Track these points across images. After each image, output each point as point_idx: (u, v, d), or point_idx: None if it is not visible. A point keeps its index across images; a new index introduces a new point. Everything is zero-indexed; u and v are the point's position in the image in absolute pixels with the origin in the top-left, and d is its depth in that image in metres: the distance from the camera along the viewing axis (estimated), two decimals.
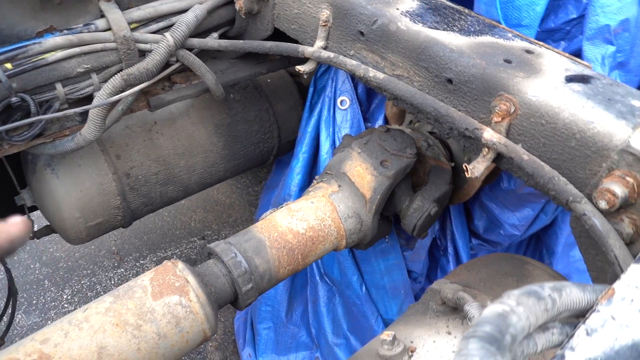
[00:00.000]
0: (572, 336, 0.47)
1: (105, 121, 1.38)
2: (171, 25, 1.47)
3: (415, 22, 1.19)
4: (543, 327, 0.48)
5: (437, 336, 1.10)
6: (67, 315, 1.03)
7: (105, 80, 1.38)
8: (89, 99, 1.40)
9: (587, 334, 0.47)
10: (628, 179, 0.86)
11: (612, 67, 1.38)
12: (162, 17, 1.47)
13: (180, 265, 1.12)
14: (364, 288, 1.83)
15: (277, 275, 1.22)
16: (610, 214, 0.88)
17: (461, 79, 1.09)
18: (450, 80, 1.11)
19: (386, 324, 1.87)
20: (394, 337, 1.06)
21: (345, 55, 1.32)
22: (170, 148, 1.77)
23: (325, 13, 1.31)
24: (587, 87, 1.01)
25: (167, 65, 1.45)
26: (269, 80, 2.10)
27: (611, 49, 1.36)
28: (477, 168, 1.06)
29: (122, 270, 2.75)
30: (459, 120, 1.07)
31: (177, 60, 1.47)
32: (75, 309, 2.47)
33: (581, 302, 0.50)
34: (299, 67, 1.37)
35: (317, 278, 2.05)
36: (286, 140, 2.13)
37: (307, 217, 1.28)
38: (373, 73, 1.21)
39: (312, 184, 1.41)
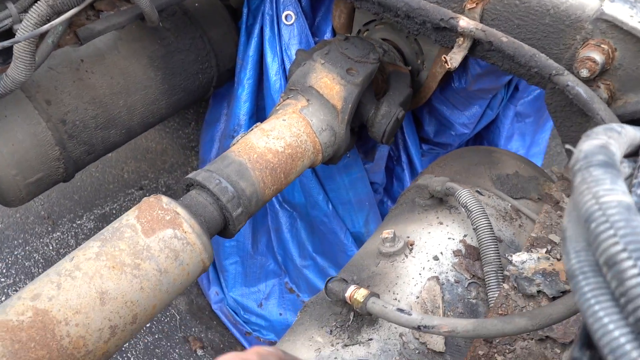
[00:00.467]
0: (638, 167, 0.50)
1: (35, 57, 1.20)
2: None
3: None
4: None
5: (431, 227, 1.15)
6: (52, 268, 0.93)
7: (24, 10, 1.19)
8: (8, 33, 1.19)
9: None
10: (603, 46, 0.91)
11: None
12: None
13: (165, 198, 1.04)
14: (330, 206, 1.85)
15: (264, 197, 1.19)
16: (588, 83, 0.94)
17: None
18: None
19: (354, 237, 1.93)
20: (394, 234, 1.09)
21: None
22: (104, 87, 1.59)
23: None
24: None
25: None
26: (197, 5, 1.93)
27: None
28: (454, 59, 1.07)
29: (58, 234, 2.54)
30: (433, 11, 1.06)
31: None
32: (14, 281, 2.28)
33: (636, 137, 0.53)
34: None
35: (277, 206, 2.04)
36: (224, 69, 2.01)
37: (282, 135, 1.24)
38: None
39: (279, 102, 1.35)
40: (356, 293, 0.89)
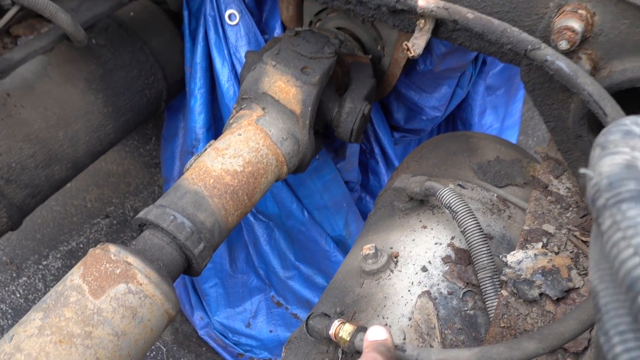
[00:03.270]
0: None
1: None
2: None
3: None
4: None
5: (414, 234, 1.05)
6: None
7: None
8: None
9: None
10: (580, 11, 0.81)
11: None
12: None
13: (113, 248, 0.91)
14: (306, 213, 1.74)
15: (227, 225, 1.07)
16: (568, 55, 0.84)
17: None
18: None
19: (336, 241, 1.82)
20: (376, 249, 0.98)
21: None
22: (39, 121, 1.43)
23: None
24: None
25: (1, 11, 1.11)
26: (132, 14, 1.77)
27: None
28: (417, 44, 0.96)
29: (24, 279, 2.37)
30: None
31: (13, 3, 1.13)
32: None
33: None
34: None
35: (252, 218, 1.92)
36: (173, 80, 1.86)
37: (240, 153, 1.11)
38: None
39: (231, 115, 1.22)
40: (341, 330, 0.78)
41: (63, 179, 1.56)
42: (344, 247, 1.83)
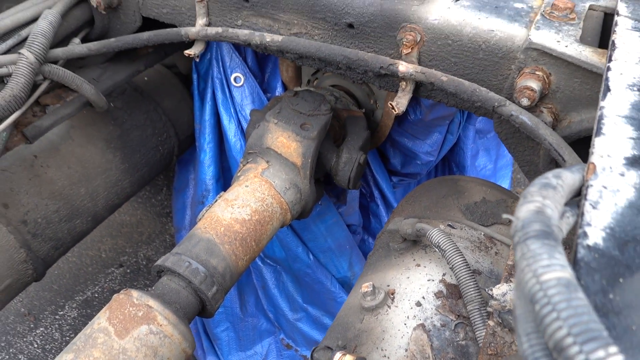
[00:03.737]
0: (582, 214, 0.50)
1: None
2: (22, 41, 1.28)
3: None
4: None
5: (409, 271, 1.14)
6: None
7: None
8: None
9: (593, 207, 0.51)
10: (538, 73, 0.93)
11: None
12: (9, 34, 1.27)
13: (135, 293, 1.01)
14: (311, 256, 1.83)
15: (238, 269, 1.17)
16: (531, 110, 0.96)
17: (362, 21, 1.09)
18: (351, 25, 1.10)
19: (341, 283, 1.90)
20: (374, 287, 1.07)
21: (233, 27, 1.25)
22: (63, 179, 1.57)
23: None
24: (474, 0, 1.07)
25: (34, 86, 1.26)
26: (146, 79, 1.94)
27: None
28: (400, 103, 1.09)
29: (41, 329, 2.45)
30: (371, 61, 1.08)
31: (45, 78, 1.28)
32: None
33: (575, 181, 0.53)
34: (187, 52, 1.27)
35: (260, 263, 2.01)
36: (184, 136, 2.01)
37: (247, 203, 1.22)
38: (270, 37, 1.17)
39: (239, 168, 1.34)
40: None
41: (84, 232, 1.67)
42: (349, 288, 1.90)
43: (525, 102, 0.92)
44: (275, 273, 2.02)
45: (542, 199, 0.44)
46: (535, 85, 0.91)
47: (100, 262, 2.75)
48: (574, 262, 0.46)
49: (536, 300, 0.36)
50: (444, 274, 1.11)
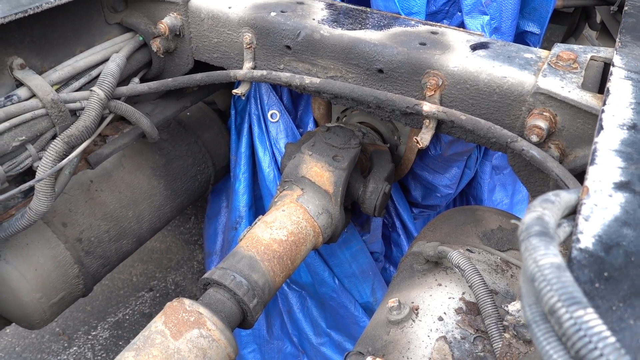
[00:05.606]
0: (577, 224, 0.63)
1: (54, 189, 1.34)
2: (93, 79, 1.47)
3: (334, 27, 1.33)
4: (557, 224, 0.63)
5: (431, 290, 1.25)
6: None
7: (42, 149, 1.35)
8: (29, 171, 1.34)
9: (585, 220, 0.63)
10: (545, 114, 1.07)
11: (490, 32, 1.63)
12: (82, 73, 1.46)
13: (187, 301, 1.14)
14: (336, 280, 1.94)
15: (275, 285, 1.29)
16: (540, 145, 1.09)
17: (390, 67, 1.25)
18: (381, 70, 1.27)
19: (364, 308, 2.00)
20: (399, 302, 1.19)
21: (276, 70, 1.42)
22: (114, 202, 1.73)
23: (247, 36, 1.41)
24: (489, 51, 1.23)
25: (101, 119, 1.44)
26: (188, 114, 2.13)
27: (486, 18, 1.61)
28: (424, 138, 1.23)
29: (75, 348, 2.57)
30: (399, 101, 1.23)
31: (110, 112, 1.46)
32: None
33: (571, 200, 0.66)
34: (235, 91, 1.45)
35: (286, 288, 2.13)
36: (220, 166, 2.18)
37: (284, 225, 1.36)
38: (309, 80, 1.33)
39: (276, 195, 1.49)
40: None
41: (128, 252, 1.82)
42: (371, 313, 2.00)
43: (534, 138, 1.06)
44: (301, 298, 2.13)
45: (542, 209, 0.57)
46: (543, 124, 1.05)
47: (132, 285, 2.89)
48: (569, 260, 0.58)
49: (535, 278, 0.48)
50: (463, 293, 1.22)
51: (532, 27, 1.73)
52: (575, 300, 0.45)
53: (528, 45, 1.79)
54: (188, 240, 3.18)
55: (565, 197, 0.65)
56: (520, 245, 0.53)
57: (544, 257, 0.49)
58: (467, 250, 1.34)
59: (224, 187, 2.36)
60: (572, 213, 0.68)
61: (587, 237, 0.61)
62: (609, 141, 0.78)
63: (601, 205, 0.66)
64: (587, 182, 0.70)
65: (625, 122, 0.83)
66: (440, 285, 1.26)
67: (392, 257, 2.16)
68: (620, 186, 0.69)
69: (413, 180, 2.05)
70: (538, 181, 1.18)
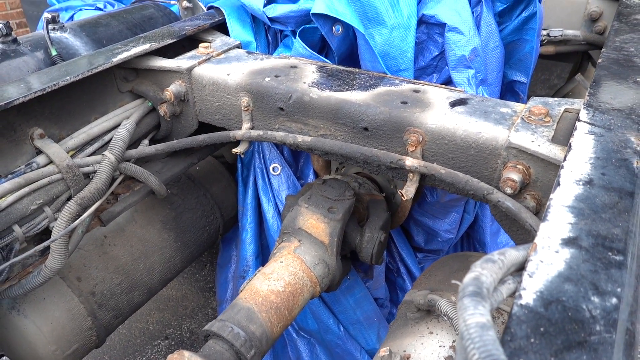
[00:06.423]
0: (521, 281, 0.68)
1: (68, 247, 1.44)
2: (105, 144, 1.60)
3: (322, 90, 1.43)
4: (502, 281, 0.68)
5: (423, 339, 1.29)
6: None
7: (58, 210, 1.46)
8: (45, 230, 1.45)
9: (530, 276, 0.69)
10: (519, 166, 1.13)
11: (477, 84, 1.72)
12: (95, 139, 1.59)
13: (187, 353, 1.20)
14: (341, 327, 1.97)
15: (273, 335, 1.34)
16: (516, 196, 1.14)
17: (374, 125, 1.33)
18: (366, 128, 1.35)
19: (370, 355, 2.02)
20: (390, 352, 1.22)
21: (272, 130, 1.52)
22: (126, 256, 1.83)
23: (245, 100, 1.52)
24: (467, 107, 1.31)
25: (112, 180, 1.55)
26: (197, 168, 2.24)
27: (471, 71, 1.69)
28: (409, 191, 1.30)
29: None
30: (384, 157, 1.31)
31: (121, 173, 1.58)
32: None
33: (519, 257, 0.71)
34: (234, 150, 1.55)
35: (294, 335, 2.16)
36: (228, 217, 2.27)
37: (281, 276, 1.42)
38: (301, 138, 1.43)
39: (275, 246, 1.56)
40: None
41: (140, 303, 1.90)
42: None
43: (509, 190, 1.11)
44: (309, 345, 2.16)
45: (481, 269, 0.63)
46: (516, 177, 1.11)
47: (148, 334, 2.95)
48: (510, 316, 0.63)
49: (463, 336, 0.54)
50: (454, 341, 1.25)
51: (519, 77, 1.81)
52: (493, 357, 0.50)
53: (517, 92, 1.87)
54: (203, 287, 3.25)
55: (512, 255, 0.71)
56: (457, 303, 0.59)
57: (471, 316, 0.55)
58: None
59: (234, 236, 2.44)
60: (521, 269, 0.73)
61: (529, 293, 0.66)
62: (563, 197, 0.84)
63: (547, 262, 0.71)
64: (536, 239, 0.75)
65: (582, 178, 0.88)
66: (431, 333, 1.29)
67: (397, 302, 2.19)
68: (567, 242, 0.74)
69: (415, 226, 2.10)
70: (520, 229, 1.22)
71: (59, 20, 1.94)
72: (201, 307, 3.11)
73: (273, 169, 1.92)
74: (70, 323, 1.64)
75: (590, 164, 0.93)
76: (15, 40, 1.82)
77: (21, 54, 1.81)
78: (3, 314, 1.55)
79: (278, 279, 1.42)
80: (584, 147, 0.97)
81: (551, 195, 0.84)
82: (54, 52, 1.82)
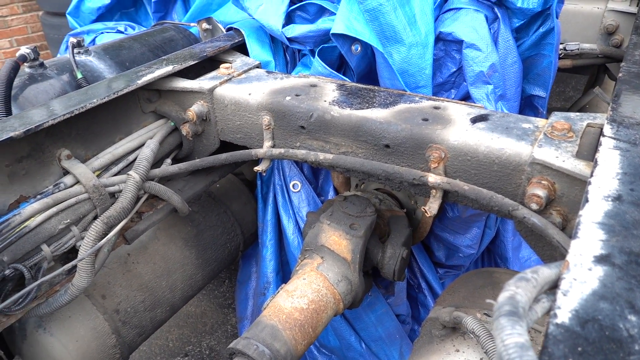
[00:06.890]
0: (555, 300, 0.68)
1: (94, 266, 1.46)
2: (130, 163, 1.63)
3: (343, 108, 1.45)
4: (536, 300, 0.68)
5: (449, 357, 1.27)
6: None
7: (84, 229, 1.48)
8: (72, 249, 1.48)
9: (564, 294, 0.68)
10: (544, 182, 1.13)
11: (495, 100, 1.72)
12: (120, 159, 1.62)
13: None
14: (363, 345, 1.96)
15: (297, 353, 1.34)
16: (541, 212, 1.14)
17: (396, 143, 1.34)
18: (387, 146, 1.36)
19: None
20: None
21: (293, 148, 1.54)
22: (149, 273, 1.85)
23: (266, 119, 1.54)
24: (488, 123, 1.31)
25: (137, 199, 1.58)
26: (217, 185, 2.27)
27: (490, 87, 1.70)
28: (432, 207, 1.30)
29: None
30: (406, 174, 1.31)
31: (145, 192, 1.60)
32: None
33: (552, 275, 0.71)
34: (256, 168, 1.57)
35: (316, 352, 2.15)
36: (248, 234, 2.28)
37: (305, 293, 1.43)
38: (323, 156, 1.44)
39: (297, 263, 1.57)
40: None
41: (163, 320, 1.91)
42: None
43: (534, 206, 1.11)
44: None
45: (515, 288, 0.63)
46: (541, 192, 1.10)
47: (168, 351, 2.96)
48: (546, 335, 0.63)
49: (502, 357, 0.54)
50: (481, 359, 1.24)
51: (537, 91, 1.81)
52: None
53: (536, 107, 1.87)
54: (222, 304, 3.26)
55: (545, 273, 0.70)
56: (493, 323, 0.59)
57: (510, 336, 0.55)
58: (485, 314, 1.36)
59: (253, 252, 2.45)
60: (554, 287, 0.72)
61: (564, 312, 0.65)
62: (592, 213, 0.83)
63: (580, 280, 0.71)
64: (568, 257, 0.75)
65: (610, 194, 0.88)
66: (458, 351, 1.28)
67: (419, 318, 2.17)
68: (600, 259, 0.74)
69: (435, 242, 2.09)
70: (546, 245, 1.21)
71: (83, 44, 2.00)
72: (220, 324, 3.11)
73: (293, 186, 1.94)
74: (95, 341, 1.65)
75: (618, 179, 0.92)
76: (42, 65, 1.87)
77: (48, 78, 1.87)
78: (30, 332, 1.58)
79: (301, 296, 1.42)
80: (610, 162, 0.97)
81: (580, 212, 0.84)
82: (79, 75, 1.87)
